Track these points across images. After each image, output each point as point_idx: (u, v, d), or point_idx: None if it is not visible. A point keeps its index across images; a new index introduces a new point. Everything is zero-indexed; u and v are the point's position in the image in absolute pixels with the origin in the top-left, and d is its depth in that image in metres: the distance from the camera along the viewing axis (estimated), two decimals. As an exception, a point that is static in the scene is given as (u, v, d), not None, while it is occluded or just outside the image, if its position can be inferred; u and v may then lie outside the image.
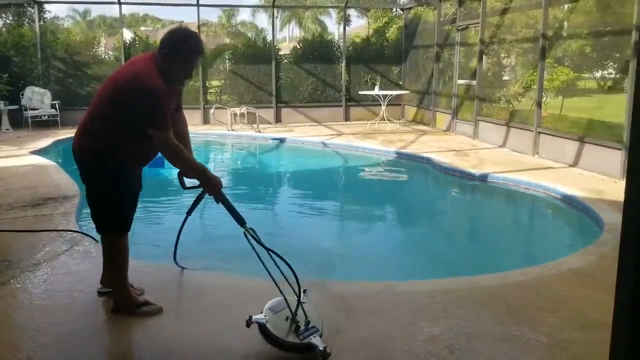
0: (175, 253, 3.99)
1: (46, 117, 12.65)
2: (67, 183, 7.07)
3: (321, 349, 2.70)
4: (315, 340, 2.76)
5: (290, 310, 2.87)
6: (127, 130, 3.17)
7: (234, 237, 3.50)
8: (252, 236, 3.02)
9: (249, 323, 2.83)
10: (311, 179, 9.65)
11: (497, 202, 7.97)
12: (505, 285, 4.05)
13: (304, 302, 2.92)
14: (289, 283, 2.92)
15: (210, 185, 3.19)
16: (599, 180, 7.50)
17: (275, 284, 2.91)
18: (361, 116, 14.54)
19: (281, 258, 2.96)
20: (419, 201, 8.43)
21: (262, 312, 2.89)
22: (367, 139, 11.65)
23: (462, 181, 8.40)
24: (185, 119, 3.57)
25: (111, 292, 3.54)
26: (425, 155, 9.72)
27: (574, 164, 8.44)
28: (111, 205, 3.30)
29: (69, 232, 5.02)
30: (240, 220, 3.08)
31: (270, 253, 2.97)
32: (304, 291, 2.99)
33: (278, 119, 14.44)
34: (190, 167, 3.24)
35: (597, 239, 5.05)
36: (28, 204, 6.02)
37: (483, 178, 8.13)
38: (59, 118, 12.68)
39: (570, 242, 5.86)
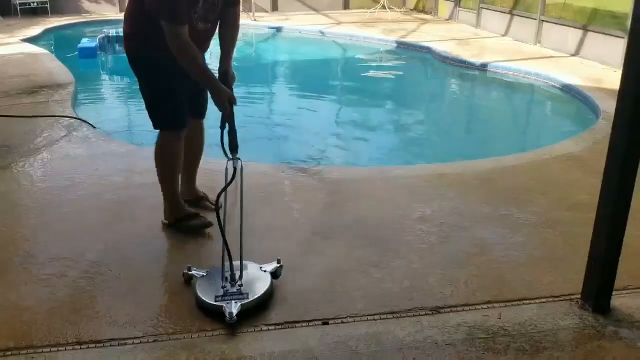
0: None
1: (35, 4, 12.21)
2: (60, 71, 6.97)
3: (227, 316, 2.29)
4: (229, 306, 2.33)
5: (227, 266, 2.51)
6: (152, 18, 2.73)
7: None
8: (235, 168, 2.55)
9: (185, 274, 2.59)
10: (309, 68, 9.50)
11: (495, 90, 7.94)
12: (497, 169, 4.13)
13: (262, 269, 2.59)
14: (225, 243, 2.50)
15: (219, 97, 2.73)
16: (599, 69, 7.42)
17: (222, 233, 2.51)
18: (361, 4, 14.00)
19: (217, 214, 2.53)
20: (418, 90, 8.38)
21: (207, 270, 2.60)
22: (367, 28, 11.32)
23: (462, 70, 8.30)
24: (237, 19, 3.03)
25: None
26: (426, 44, 9.51)
27: (576, 53, 8.29)
28: (152, 99, 2.96)
29: (67, 118, 5.02)
30: (235, 148, 2.64)
31: (216, 205, 2.54)
32: (278, 262, 2.63)
33: (275, 7, 13.92)
34: (196, 72, 2.77)
35: (592, 126, 5.10)
36: (23, 92, 5.97)
37: (483, 67, 8.02)
38: (48, 5, 12.24)
39: (565, 129, 5.89)
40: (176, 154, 3.04)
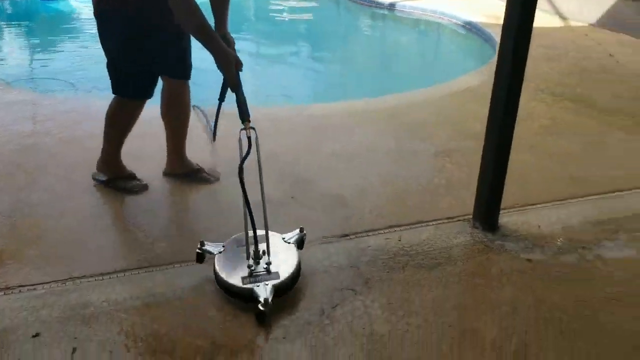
0: (214, 133, 3.14)
1: None
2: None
3: (261, 300, 2.03)
4: (261, 289, 2.07)
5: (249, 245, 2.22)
6: None
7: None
8: (249, 138, 2.18)
9: (198, 250, 2.29)
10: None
11: (402, 29, 8.15)
12: (402, 105, 4.32)
13: (286, 240, 2.34)
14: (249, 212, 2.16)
15: (224, 61, 2.36)
16: (500, 6, 7.71)
17: (248, 208, 2.14)
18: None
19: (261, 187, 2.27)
20: (329, 30, 8.43)
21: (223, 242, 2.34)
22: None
23: (372, 10, 8.40)
24: None
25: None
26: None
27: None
28: (110, 60, 2.68)
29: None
30: (246, 115, 2.28)
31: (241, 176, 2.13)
32: (301, 231, 2.40)
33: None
34: (203, 35, 2.35)
35: (490, 60, 5.37)
36: None
37: (391, 7, 8.17)
38: None
39: (466, 64, 6.17)
40: (130, 120, 2.83)
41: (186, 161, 3.07)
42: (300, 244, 2.36)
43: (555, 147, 3.66)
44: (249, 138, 2.17)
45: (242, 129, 2.22)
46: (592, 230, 2.72)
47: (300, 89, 5.58)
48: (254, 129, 2.22)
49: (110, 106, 2.80)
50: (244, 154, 2.13)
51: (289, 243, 2.32)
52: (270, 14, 8.59)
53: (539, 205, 2.94)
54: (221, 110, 2.71)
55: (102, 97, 4.25)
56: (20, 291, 2.20)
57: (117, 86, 2.73)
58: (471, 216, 2.78)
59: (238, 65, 2.38)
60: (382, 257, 2.48)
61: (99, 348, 1.92)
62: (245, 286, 2.10)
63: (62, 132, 3.60)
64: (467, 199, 2.84)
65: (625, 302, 2.22)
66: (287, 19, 8.05)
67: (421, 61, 6.96)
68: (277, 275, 2.14)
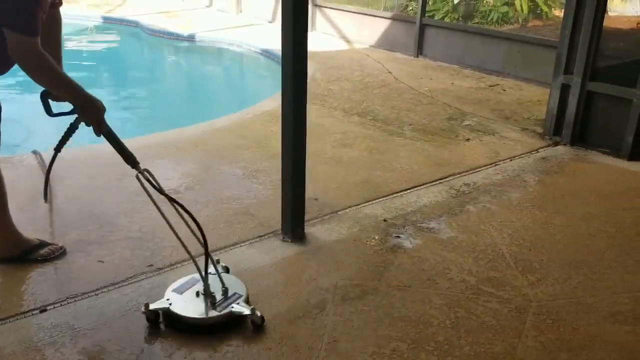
0: (45, 193, 2.97)
1: None
2: None
3: (248, 312, 2.21)
4: (238, 306, 2.23)
5: (203, 279, 2.27)
6: None
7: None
8: (148, 179, 2.26)
9: (146, 313, 2.23)
10: None
11: (204, 59, 8.31)
12: (209, 131, 4.44)
13: (212, 273, 2.35)
14: (203, 237, 2.29)
15: (91, 111, 2.30)
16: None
17: (179, 239, 2.27)
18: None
19: (185, 210, 2.29)
20: (130, 64, 8.26)
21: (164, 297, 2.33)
22: (68, 4, 10.52)
23: (173, 42, 8.43)
24: (61, 18, 2.60)
25: None
26: (133, 18, 9.32)
27: (272, 20, 9.05)
28: None
29: None
30: (131, 160, 2.31)
31: (175, 204, 2.30)
32: (218, 261, 2.50)
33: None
34: (63, 86, 2.29)
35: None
36: None
37: (191, 38, 8.27)
38: None
39: (267, 88, 6.48)
40: (1, 179, 2.54)
41: (21, 237, 2.70)
42: (226, 269, 2.53)
43: (348, 157, 4.03)
44: (148, 180, 2.25)
45: (137, 174, 2.25)
46: (384, 226, 3.07)
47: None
48: (147, 170, 2.28)
49: None
50: (150, 192, 2.23)
51: (222, 272, 2.41)
52: (67, 53, 8.14)
53: (339, 212, 3.22)
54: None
55: None
56: None
57: None
58: (280, 231, 2.96)
59: (102, 110, 2.31)
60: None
61: None
62: (222, 313, 2.22)
63: None
64: (275, 215, 3.02)
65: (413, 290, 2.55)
66: (88, 58, 7.70)
67: (225, 88, 7.16)
68: (238, 294, 2.32)
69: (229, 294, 2.31)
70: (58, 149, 2.54)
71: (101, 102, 2.32)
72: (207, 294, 2.25)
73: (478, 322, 2.32)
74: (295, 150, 2.82)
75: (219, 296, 2.28)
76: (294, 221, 2.92)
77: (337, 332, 2.21)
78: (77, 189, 3.38)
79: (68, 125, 2.42)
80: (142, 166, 2.29)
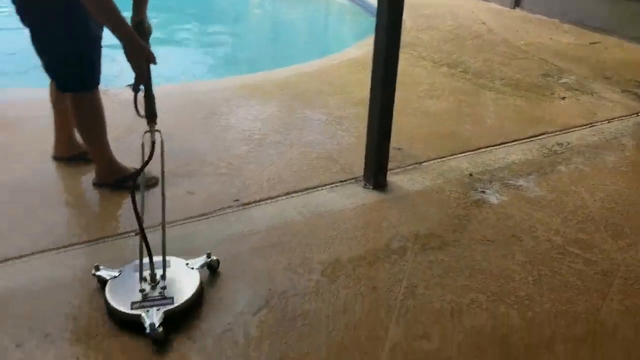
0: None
1: None
2: None
3: (147, 327, 1.87)
4: (150, 315, 1.91)
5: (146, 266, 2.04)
6: None
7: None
8: (153, 142, 2.05)
9: (95, 272, 2.12)
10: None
11: (290, 3, 8.24)
12: (293, 76, 4.44)
13: (189, 266, 2.17)
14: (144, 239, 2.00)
15: (135, 54, 2.17)
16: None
17: (139, 222, 1.99)
18: None
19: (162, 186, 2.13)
20: (215, 6, 8.36)
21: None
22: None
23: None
24: None
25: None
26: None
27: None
28: (72, 53, 2.48)
29: None
30: (152, 116, 2.15)
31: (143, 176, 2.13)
32: (208, 257, 2.22)
33: None
34: (113, 20, 2.16)
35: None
36: None
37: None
38: None
39: (353, 35, 6.39)
40: (100, 110, 2.65)
41: (118, 166, 2.81)
42: (210, 267, 2.22)
43: (435, 108, 3.94)
44: (152, 142, 2.03)
45: (146, 132, 2.07)
46: (469, 180, 3.01)
47: (190, 66, 5.53)
48: (159, 131, 2.09)
49: (79, 110, 2.62)
50: (146, 159, 1.99)
51: (192, 269, 2.16)
52: None
53: (423, 164, 3.18)
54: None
55: None
56: None
57: (81, 80, 2.55)
58: (362, 178, 2.96)
59: (150, 59, 2.17)
60: (276, 224, 2.59)
61: (-1, 333, 1.90)
62: (132, 312, 1.93)
63: None
64: (358, 162, 3.02)
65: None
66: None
67: (310, 34, 7.10)
68: (171, 300, 1.98)
69: (164, 294, 2.00)
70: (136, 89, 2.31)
71: (150, 52, 2.18)
72: (141, 284, 2.02)
73: (562, 281, 2.25)
74: (383, 98, 2.78)
75: (153, 293, 2.01)
76: (376, 169, 2.91)
77: (416, 278, 2.22)
78: (168, 125, 3.50)
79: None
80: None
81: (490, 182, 3.00)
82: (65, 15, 2.40)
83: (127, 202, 2.68)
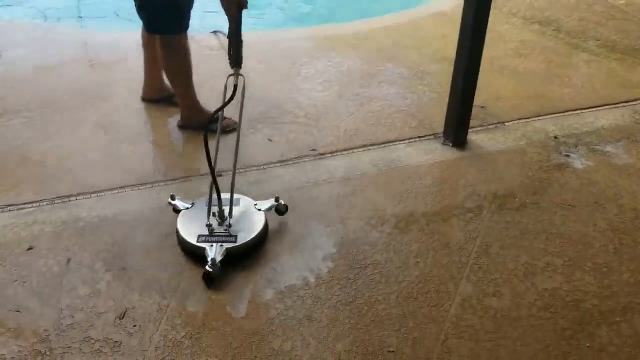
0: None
1: None
2: None
3: (209, 262, 1.95)
4: (213, 250, 1.99)
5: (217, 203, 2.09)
6: None
7: None
8: (235, 86, 2.13)
9: (171, 202, 2.24)
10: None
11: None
12: (376, 28, 4.37)
13: (257, 207, 2.22)
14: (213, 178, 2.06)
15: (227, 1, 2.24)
16: None
17: (209, 160, 2.03)
18: None
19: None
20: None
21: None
22: None
23: None
24: None
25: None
26: None
27: None
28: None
29: None
30: (237, 61, 2.23)
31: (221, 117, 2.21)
32: (276, 200, 2.25)
33: None
34: None
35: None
36: None
37: None
38: None
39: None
40: (187, 54, 2.75)
41: (202, 109, 2.90)
42: (278, 211, 2.26)
43: (523, 67, 3.78)
44: (235, 85, 2.11)
45: (230, 75, 2.18)
46: (553, 143, 2.89)
47: (272, 13, 5.53)
48: (242, 76, 2.18)
49: (169, 53, 2.72)
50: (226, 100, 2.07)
51: (260, 210, 2.21)
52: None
53: (506, 123, 3.08)
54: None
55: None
56: (10, 209, 2.30)
57: (170, 22, 2.65)
58: (442, 134, 2.92)
59: (242, 3, 2.23)
60: (355, 174, 2.61)
61: (92, 257, 2.05)
62: (198, 244, 2.03)
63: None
64: (438, 118, 2.97)
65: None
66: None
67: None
68: (234, 238, 2.06)
69: (229, 233, 2.08)
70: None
71: None
72: (209, 218, 2.10)
73: (645, 253, 2.16)
74: (470, 54, 2.69)
75: (219, 229, 2.09)
76: (457, 126, 2.85)
77: (491, 238, 2.19)
78: (249, 72, 3.56)
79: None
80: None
81: (576, 146, 2.87)
82: None
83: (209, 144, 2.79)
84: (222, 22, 3.38)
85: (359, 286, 1.96)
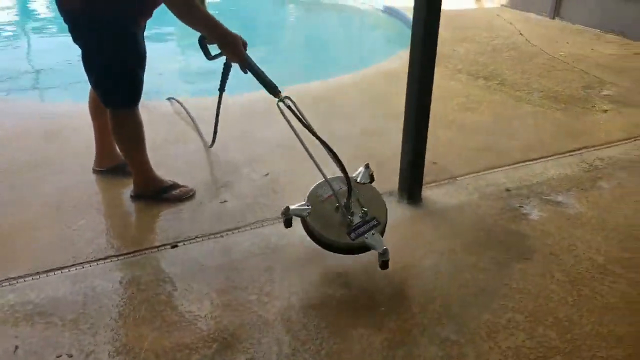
0: (214, 138, 3.35)
1: None
2: None
3: (380, 252, 2.07)
4: (373, 239, 2.10)
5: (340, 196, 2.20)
6: None
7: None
8: (289, 107, 2.27)
9: (285, 215, 2.25)
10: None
11: (325, 16, 8.30)
12: (331, 88, 4.46)
13: (360, 183, 2.32)
14: (340, 167, 2.24)
15: (230, 47, 2.38)
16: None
17: (317, 166, 2.25)
18: None
19: (323, 143, 2.27)
20: (255, 20, 8.47)
21: (305, 200, 2.28)
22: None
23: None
24: None
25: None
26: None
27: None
28: (121, 71, 2.56)
29: None
30: (272, 89, 2.34)
31: (316, 136, 2.28)
32: (367, 166, 2.40)
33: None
34: (205, 21, 2.34)
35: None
36: None
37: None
38: None
39: (389, 47, 6.39)
40: (140, 124, 2.71)
41: (156, 177, 2.89)
42: (371, 177, 2.39)
43: (470, 121, 3.89)
44: (289, 107, 2.25)
45: (278, 101, 2.28)
46: (506, 196, 2.95)
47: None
48: (289, 98, 2.29)
49: (118, 125, 2.69)
50: (291, 121, 2.23)
51: (364, 183, 2.31)
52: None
53: (458, 178, 3.14)
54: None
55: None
56: None
57: (127, 97, 2.63)
58: (396, 191, 2.94)
59: (244, 42, 2.41)
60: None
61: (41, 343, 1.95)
62: (356, 241, 2.11)
63: None
64: (392, 176, 2.99)
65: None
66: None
67: (348, 46, 7.13)
68: (375, 220, 2.18)
69: (368, 217, 2.18)
70: (221, 89, 2.88)
71: (240, 37, 2.40)
72: (345, 216, 2.18)
73: (603, 302, 2.18)
74: (418, 112, 2.76)
75: (356, 219, 2.17)
76: (411, 183, 2.89)
77: (451, 297, 2.19)
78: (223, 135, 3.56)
79: (222, 66, 2.72)
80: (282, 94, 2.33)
81: (528, 197, 2.94)
82: (118, 35, 2.49)
83: (164, 213, 2.74)
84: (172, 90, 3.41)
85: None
